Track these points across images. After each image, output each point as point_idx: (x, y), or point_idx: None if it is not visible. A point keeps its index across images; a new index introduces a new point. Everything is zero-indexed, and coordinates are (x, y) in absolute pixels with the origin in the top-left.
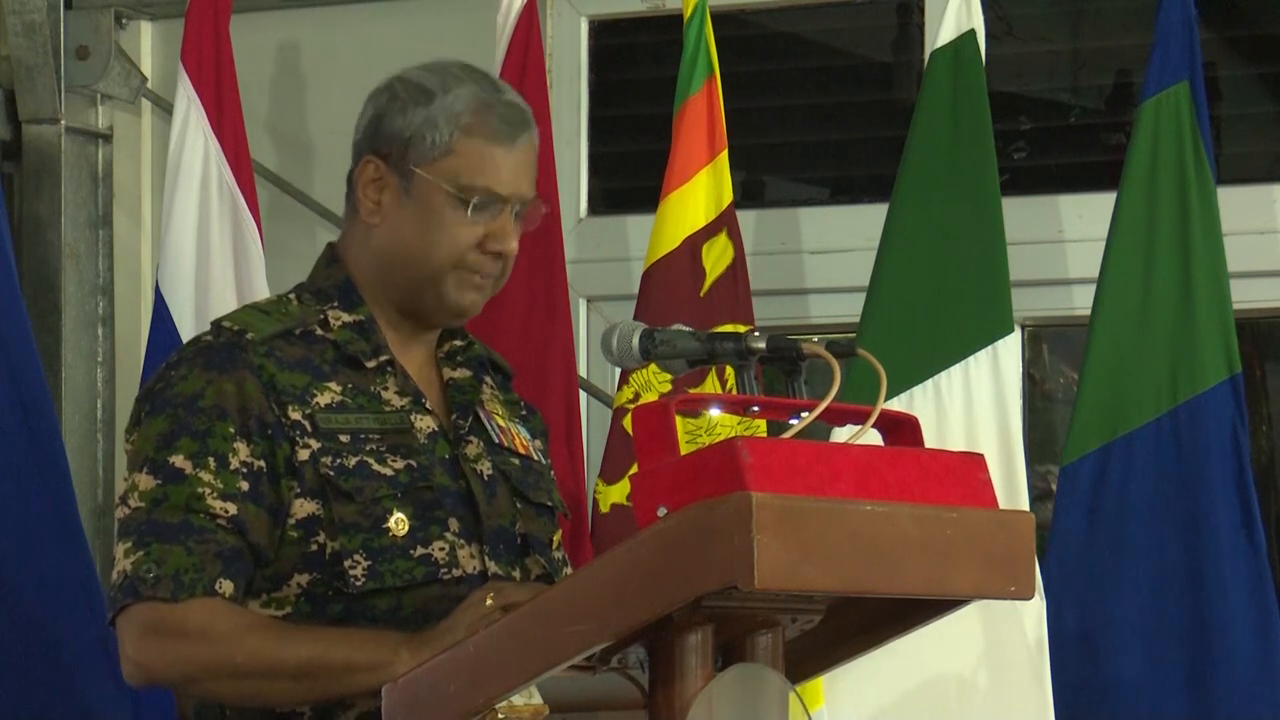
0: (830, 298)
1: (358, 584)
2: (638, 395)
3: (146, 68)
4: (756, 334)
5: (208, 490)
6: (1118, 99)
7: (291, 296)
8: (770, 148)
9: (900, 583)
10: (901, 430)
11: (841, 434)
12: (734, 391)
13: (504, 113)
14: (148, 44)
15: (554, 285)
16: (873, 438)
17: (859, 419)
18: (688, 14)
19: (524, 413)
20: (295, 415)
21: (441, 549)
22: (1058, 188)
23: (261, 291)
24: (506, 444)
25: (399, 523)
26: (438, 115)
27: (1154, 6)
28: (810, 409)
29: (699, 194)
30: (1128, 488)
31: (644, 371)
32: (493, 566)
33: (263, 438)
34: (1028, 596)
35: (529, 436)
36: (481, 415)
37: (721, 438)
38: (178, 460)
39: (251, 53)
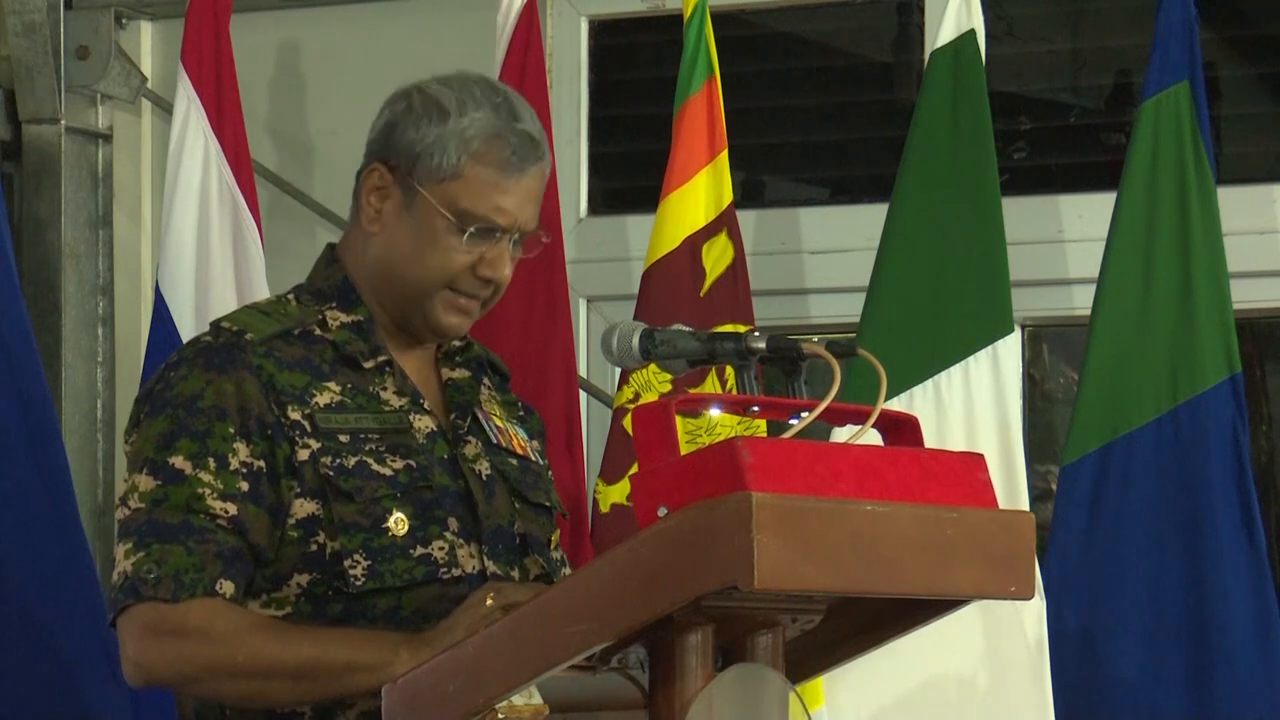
0: (830, 298)
1: (358, 584)
2: (638, 395)
3: (146, 68)
4: (756, 334)
5: (208, 491)
6: (1118, 99)
7: (290, 297)
8: (770, 148)
9: (900, 583)
10: (901, 430)
11: (841, 434)
12: (734, 391)
13: (515, 143)
14: (148, 44)
15: (554, 285)
16: (873, 438)
17: (859, 419)
18: (688, 14)
19: (521, 413)
20: (295, 415)
21: (441, 549)
22: (1058, 188)
23: (261, 291)
24: (505, 444)
25: (399, 522)
26: (449, 137)
27: (1154, 6)
28: (810, 409)
29: (699, 194)
30: (1128, 488)
31: (644, 371)
32: (491, 566)
33: (262, 438)
34: (1028, 596)
35: (526, 437)
36: (480, 415)
37: (721, 438)
38: (177, 461)
39: (251, 53)
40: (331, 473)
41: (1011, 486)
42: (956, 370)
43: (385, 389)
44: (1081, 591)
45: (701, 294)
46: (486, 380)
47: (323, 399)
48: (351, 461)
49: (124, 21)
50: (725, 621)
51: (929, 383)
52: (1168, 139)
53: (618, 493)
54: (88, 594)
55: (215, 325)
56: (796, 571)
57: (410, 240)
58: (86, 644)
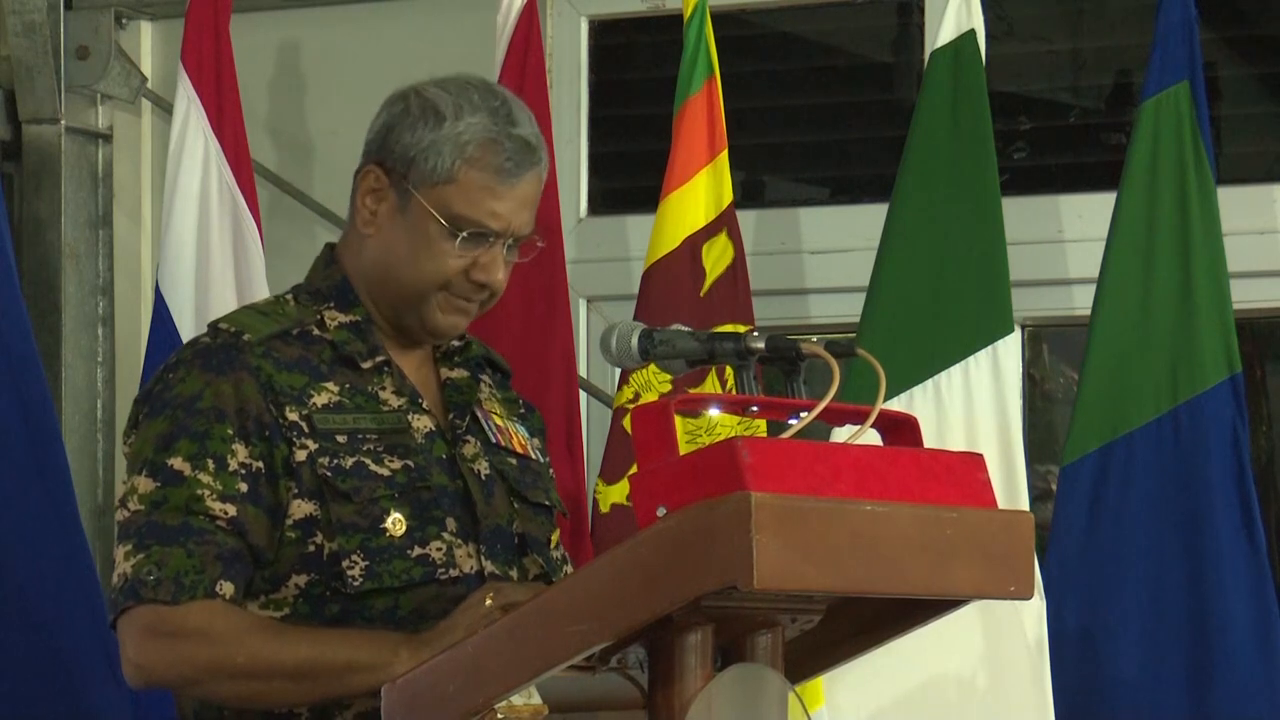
0: (830, 298)
1: (355, 584)
2: (638, 395)
3: (146, 68)
4: (756, 334)
5: (207, 492)
6: (1118, 99)
7: (289, 297)
8: (770, 148)
9: (900, 583)
10: (901, 430)
11: (841, 434)
12: (734, 391)
13: (511, 148)
14: (148, 44)
15: (554, 285)
16: (872, 438)
17: (859, 419)
18: (688, 14)
19: (522, 410)
20: (293, 416)
21: (439, 549)
22: (1058, 188)
23: (261, 291)
24: (504, 443)
25: (396, 523)
26: (444, 142)
27: (1154, 6)
28: (810, 409)
29: (699, 194)
30: (1128, 488)
31: (644, 371)
32: (490, 566)
33: (261, 439)
34: (1027, 596)
35: (527, 435)
36: (479, 415)
37: (721, 438)
38: (176, 462)
39: (251, 53)
40: (329, 473)
41: (1011, 486)
42: (956, 370)
43: (384, 389)
44: (1081, 591)
45: (701, 294)
46: (486, 378)
47: (321, 399)
48: (349, 462)
49: (124, 21)
50: (725, 621)
51: (929, 383)
52: (1168, 139)
53: (618, 493)
54: (88, 594)
55: (213, 326)
56: (796, 571)
57: (405, 243)
58: (86, 644)
